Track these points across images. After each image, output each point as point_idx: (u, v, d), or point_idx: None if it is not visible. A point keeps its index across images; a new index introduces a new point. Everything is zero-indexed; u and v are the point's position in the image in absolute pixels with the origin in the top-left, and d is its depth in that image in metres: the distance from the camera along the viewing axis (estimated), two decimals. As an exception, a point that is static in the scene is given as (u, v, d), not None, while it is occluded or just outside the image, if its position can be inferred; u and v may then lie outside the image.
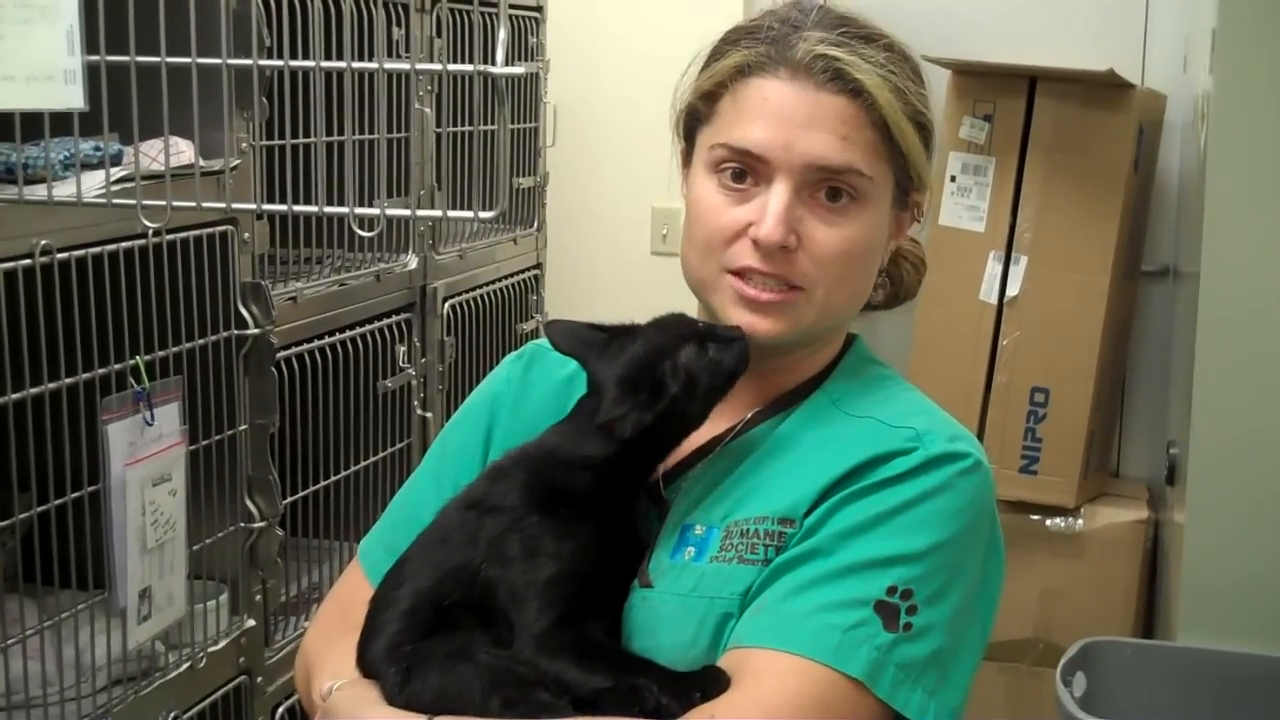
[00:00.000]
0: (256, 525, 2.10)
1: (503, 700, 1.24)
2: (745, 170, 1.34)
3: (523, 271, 3.11)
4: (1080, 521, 3.31)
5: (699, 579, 1.31)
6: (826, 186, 1.32)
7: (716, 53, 1.40)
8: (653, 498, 1.40)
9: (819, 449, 1.35)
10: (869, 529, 1.27)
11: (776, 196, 1.32)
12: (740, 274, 1.34)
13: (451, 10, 2.63)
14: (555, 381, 1.50)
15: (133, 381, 1.76)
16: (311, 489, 2.36)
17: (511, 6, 2.97)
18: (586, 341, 1.38)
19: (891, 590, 1.25)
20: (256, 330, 2.04)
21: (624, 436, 1.30)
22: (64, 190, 1.57)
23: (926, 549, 1.27)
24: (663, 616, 1.31)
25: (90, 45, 1.39)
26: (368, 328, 2.45)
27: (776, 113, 1.32)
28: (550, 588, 1.29)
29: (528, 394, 1.51)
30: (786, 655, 1.23)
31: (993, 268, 3.31)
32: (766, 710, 1.20)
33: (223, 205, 1.68)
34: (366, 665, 1.35)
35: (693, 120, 1.42)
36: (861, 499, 1.29)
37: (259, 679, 2.15)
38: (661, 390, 1.31)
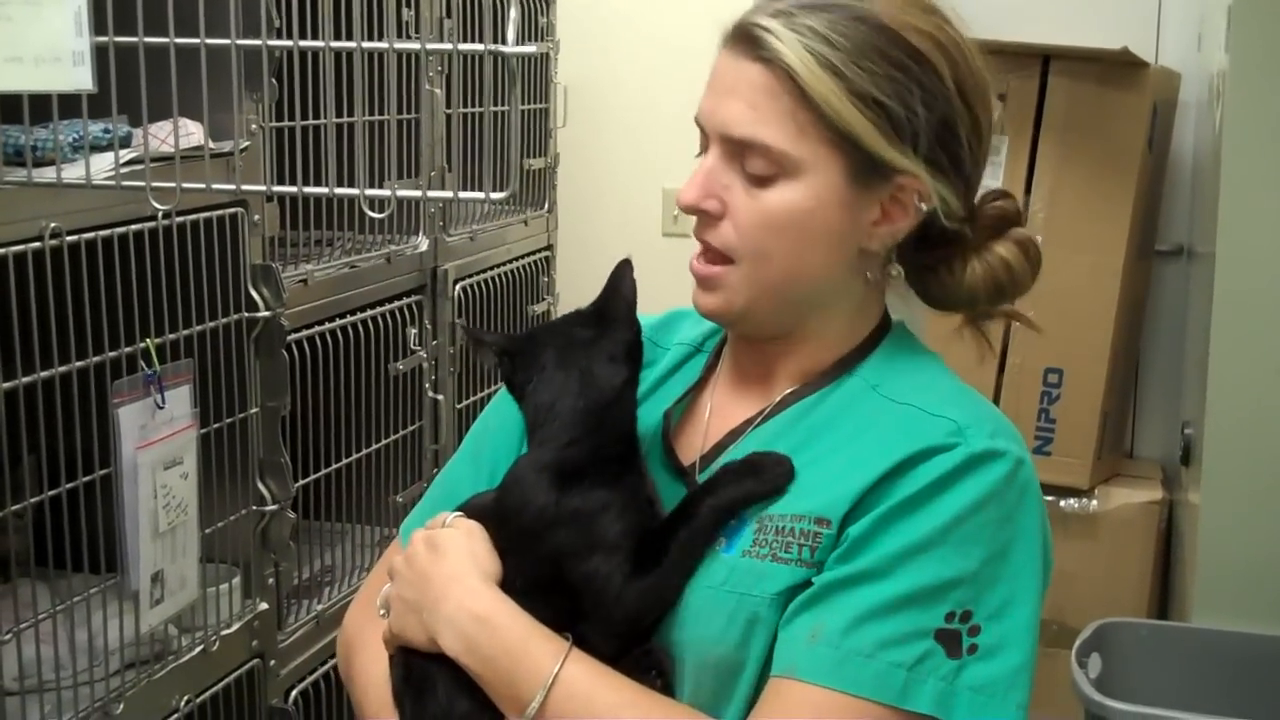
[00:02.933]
0: (269, 508, 2.09)
1: None
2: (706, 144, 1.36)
3: (534, 253, 3.10)
4: (1094, 502, 3.30)
5: (729, 572, 1.29)
6: (750, 167, 1.31)
7: None
8: (685, 481, 1.39)
9: (856, 439, 1.32)
10: (921, 552, 1.24)
11: (700, 163, 1.34)
12: (699, 249, 1.37)
13: (461, -10, 2.62)
14: None
15: (143, 364, 1.76)
16: (323, 472, 2.36)
17: (522, -13, 2.96)
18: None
19: (950, 616, 1.23)
20: (267, 313, 2.04)
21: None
22: (73, 172, 1.57)
23: (979, 566, 1.25)
24: (691, 609, 1.30)
25: (98, 26, 1.39)
26: (378, 310, 2.45)
27: (713, 82, 1.34)
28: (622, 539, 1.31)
29: None
30: (851, 698, 1.22)
31: (1006, 248, 3.30)
32: None
33: (232, 187, 1.67)
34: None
35: None
36: (909, 515, 1.26)
37: (272, 662, 2.15)
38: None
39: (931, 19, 1.33)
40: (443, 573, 1.32)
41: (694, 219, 1.38)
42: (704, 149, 1.35)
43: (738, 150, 1.31)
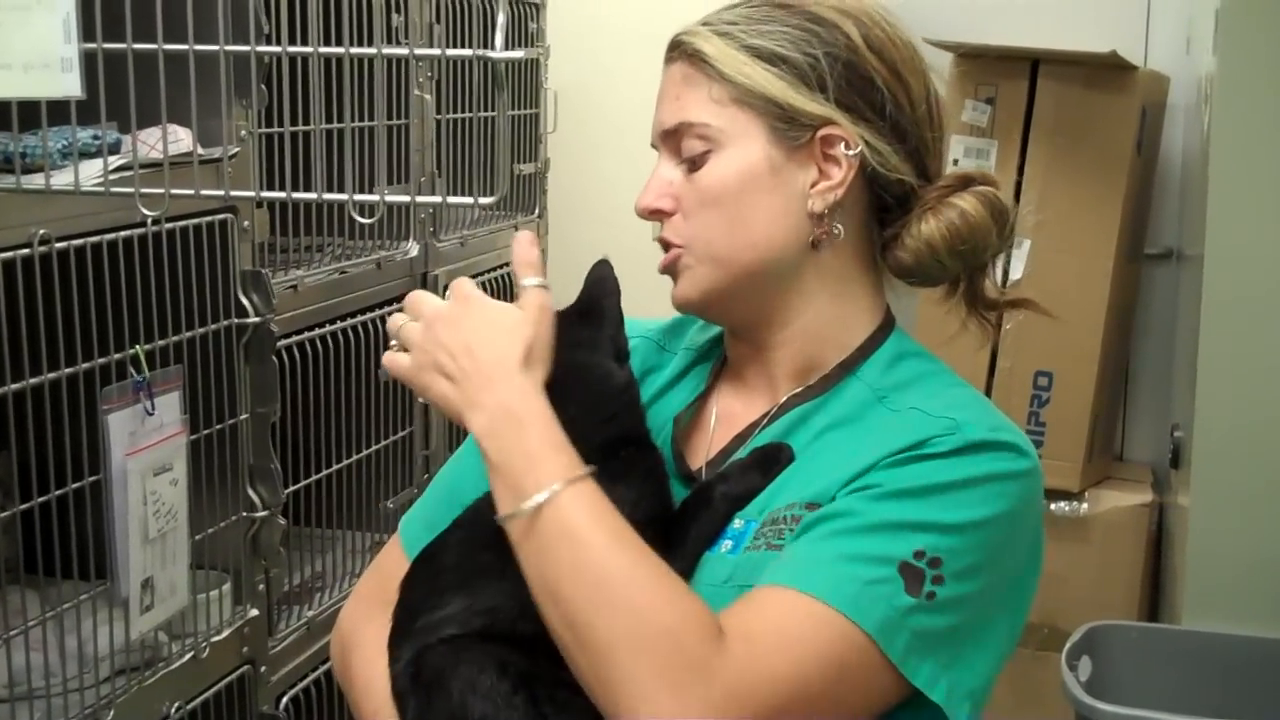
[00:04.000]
0: (259, 514, 2.09)
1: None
2: None
3: (524, 258, 3.09)
4: (1084, 505, 3.30)
5: (733, 569, 1.30)
6: (681, 152, 1.38)
7: None
8: (694, 486, 1.40)
9: (857, 436, 1.33)
10: (905, 496, 1.24)
11: (652, 171, 1.41)
12: None
13: (450, -4, 2.62)
14: None
15: (133, 371, 1.76)
16: (314, 478, 2.36)
17: (511, -8, 2.96)
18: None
19: (919, 554, 1.22)
20: (257, 319, 2.04)
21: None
22: (62, 179, 1.56)
23: (963, 524, 1.24)
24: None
25: (87, 33, 1.39)
26: (369, 315, 2.45)
27: (659, 95, 1.43)
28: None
29: None
30: (801, 595, 1.20)
31: (995, 251, 3.30)
32: (777, 640, 1.19)
33: (221, 193, 1.67)
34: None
35: None
36: (900, 468, 1.26)
37: (263, 669, 2.15)
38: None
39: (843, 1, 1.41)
40: (492, 356, 1.28)
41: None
42: None
43: (674, 144, 1.39)
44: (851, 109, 1.36)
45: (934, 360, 1.44)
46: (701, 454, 1.43)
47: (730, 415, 1.44)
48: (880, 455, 1.28)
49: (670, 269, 1.40)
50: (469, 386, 1.28)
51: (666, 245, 1.40)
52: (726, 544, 1.33)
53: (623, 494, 1.29)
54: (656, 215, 1.40)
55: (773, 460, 1.35)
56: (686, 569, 1.31)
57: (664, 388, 1.50)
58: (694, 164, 1.37)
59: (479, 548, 1.32)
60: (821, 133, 1.35)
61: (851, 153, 1.35)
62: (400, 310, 1.36)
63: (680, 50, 1.40)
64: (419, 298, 1.35)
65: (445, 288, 2.63)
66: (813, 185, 1.36)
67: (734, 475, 1.36)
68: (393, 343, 1.36)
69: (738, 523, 1.34)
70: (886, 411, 1.35)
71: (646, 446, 1.39)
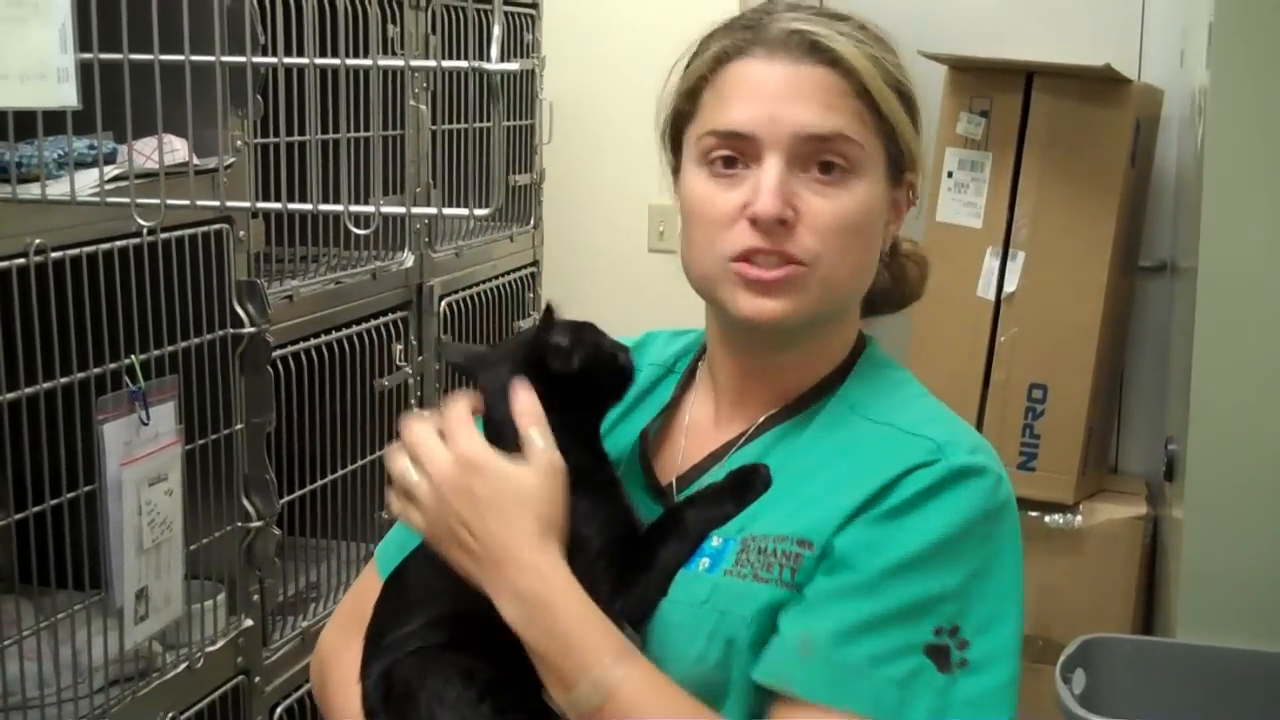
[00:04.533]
0: (254, 525, 2.09)
1: None
2: (735, 156, 1.33)
3: (520, 269, 3.10)
4: (1079, 518, 3.30)
5: (712, 590, 1.29)
6: (818, 160, 1.31)
7: (694, 52, 1.40)
8: (663, 502, 1.39)
9: (837, 459, 1.33)
10: (908, 568, 1.25)
11: (769, 172, 1.30)
12: (743, 258, 1.32)
13: (446, 7, 2.62)
14: None
15: (128, 381, 1.76)
16: (308, 488, 2.36)
17: (506, 3, 2.96)
18: (479, 355, 1.40)
19: (938, 631, 1.24)
20: (252, 329, 2.04)
21: (572, 368, 1.32)
22: (58, 189, 1.57)
23: (964, 581, 1.25)
24: (673, 625, 1.30)
25: (83, 43, 1.39)
26: (364, 326, 2.45)
27: (758, 90, 1.32)
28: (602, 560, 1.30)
29: None
30: (852, 716, 1.22)
31: (990, 264, 3.31)
32: None
33: (217, 203, 1.68)
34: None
35: (678, 123, 1.40)
36: (895, 529, 1.26)
37: (257, 679, 2.14)
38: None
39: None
40: (509, 537, 1.26)
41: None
42: (730, 161, 1.33)
43: (809, 153, 1.31)
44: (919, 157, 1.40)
45: (901, 370, 1.45)
46: (672, 469, 1.43)
47: (703, 432, 1.43)
48: (868, 491, 1.28)
49: (778, 283, 1.31)
50: (491, 569, 1.27)
51: (784, 258, 1.31)
52: (704, 561, 1.31)
53: (587, 509, 1.31)
54: (777, 222, 1.30)
55: (747, 486, 1.33)
56: (656, 597, 1.31)
57: (631, 405, 1.49)
58: (829, 182, 1.31)
59: (441, 564, 1.32)
60: (908, 178, 1.39)
61: (916, 202, 1.40)
62: (398, 436, 1.33)
63: (819, 54, 1.32)
64: (422, 445, 1.31)
65: (441, 299, 2.65)
66: (887, 223, 1.39)
67: (706, 499, 1.34)
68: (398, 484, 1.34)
69: (715, 540, 1.33)
70: (859, 420, 1.36)
71: (605, 468, 1.38)
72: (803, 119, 1.30)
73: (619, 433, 1.45)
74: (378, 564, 1.49)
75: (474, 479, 1.28)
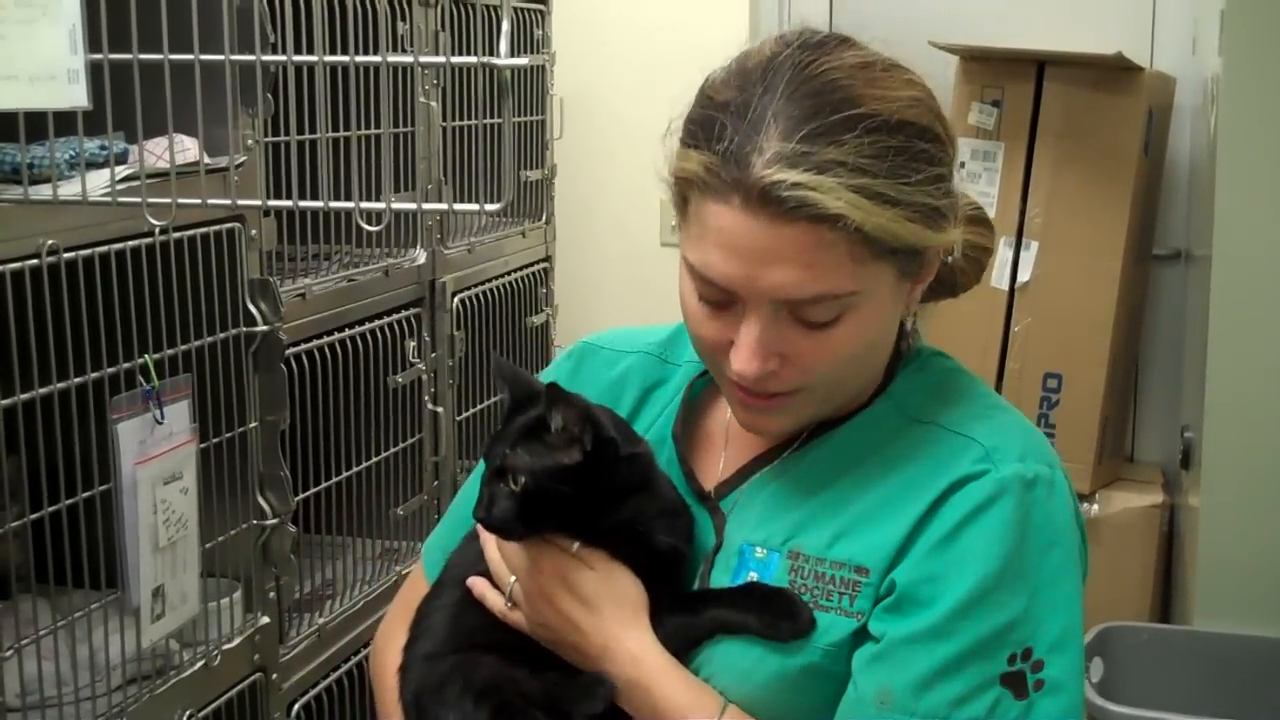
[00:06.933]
0: (269, 522, 2.09)
1: None
2: (719, 298, 1.27)
3: (532, 264, 3.10)
4: (1095, 507, 3.30)
5: None
6: (810, 317, 1.24)
7: (684, 137, 1.28)
8: (708, 506, 1.38)
9: (884, 468, 1.31)
10: (976, 604, 1.24)
11: (748, 330, 1.25)
12: (737, 380, 1.29)
13: (455, 3, 2.63)
14: (605, 381, 1.50)
15: (142, 380, 1.76)
16: (323, 485, 2.36)
17: (516, -1, 2.97)
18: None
19: (1011, 659, 1.23)
20: (265, 327, 2.04)
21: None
22: (69, 190, 1.57)
23: (1030, 601, 1.25)
24: (720, 643, 1.31)
25: (93, 44, 1.39)
26: (377, 323, 2.45)
27: (734, 245, 1.22)
28: None
29: (578, 392, 1.40)
30: None
31: (1003, 254, 3.30)
32: None
33: (228, 202, 1.68)
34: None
35: (682, 189, 1.29)
36: (956, 563, 1.25)
37: (274, 676, 2.15)
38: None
39: (904, 78, 1.27)
40: (598, 626, 1.32)
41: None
42: (711, 298, 1.27)
43: (793, 306, 1.24)
44: (956, 214, 1.30)
45: (949, 358, 1.43)
46: (713, 474, 1.41)
47: (745, 436, 1.40)
48: (918, 511, 1.27)
49: (776, 404, 1.30)
50: (592, 656, 1.32)
51: (770, 392, 1.29)
52: (751, 575, 1.31)
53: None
54: (765, 375, 1.27)
55: (783, 620, 1.28)
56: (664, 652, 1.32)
57: (669, 401, 1.48)
58: (818, 325, 1.25)
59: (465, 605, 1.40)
60: (928, 256, 1.31)
61: (950, 257, 1.37)
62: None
63: (798, 212, 1.18)
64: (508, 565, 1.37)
65: (454, 295, 2.65)
66: (909, 292, 1.32)
67: (734, 601, 1.31)
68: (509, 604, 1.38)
69: (759, 552, 1.32)
70: (906, 422, 1.34)
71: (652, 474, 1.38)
72: (782, 283, 1.21)
73: (659, 431, 1.45)
74: (425, 567, 1.55)
75: (566, 577, 1.34)
